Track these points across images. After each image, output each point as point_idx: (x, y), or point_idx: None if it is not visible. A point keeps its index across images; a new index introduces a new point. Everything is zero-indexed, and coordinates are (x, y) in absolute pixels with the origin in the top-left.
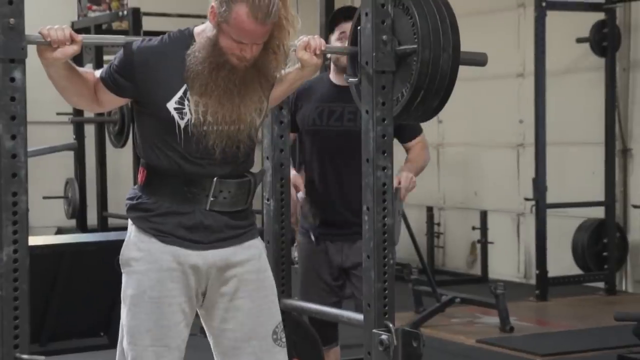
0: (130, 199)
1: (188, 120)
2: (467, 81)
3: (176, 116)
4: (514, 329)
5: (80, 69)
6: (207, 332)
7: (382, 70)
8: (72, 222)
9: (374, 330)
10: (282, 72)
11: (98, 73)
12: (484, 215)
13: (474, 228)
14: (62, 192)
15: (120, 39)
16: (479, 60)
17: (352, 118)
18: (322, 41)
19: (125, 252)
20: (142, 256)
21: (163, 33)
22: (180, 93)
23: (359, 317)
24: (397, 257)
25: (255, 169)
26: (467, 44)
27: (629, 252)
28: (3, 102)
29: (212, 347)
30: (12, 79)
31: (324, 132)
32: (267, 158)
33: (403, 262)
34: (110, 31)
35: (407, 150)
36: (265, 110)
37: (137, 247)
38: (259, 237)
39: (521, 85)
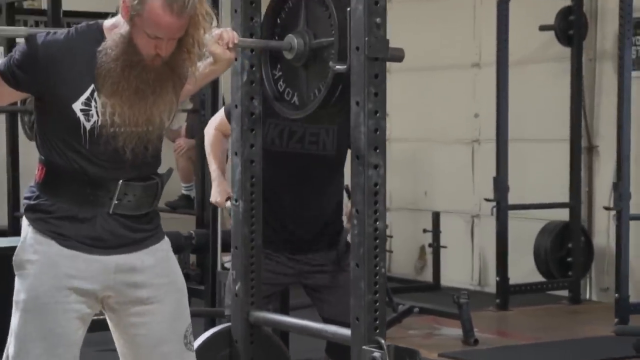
0: (28, 198)
1: (95, 122)
2: (418, 71)
3: (82, 117)
4: (478, 341)
5: None
6: (115, 336)
7: (375, 57)
8: None
9: (364, 347)
10: (196, 71)
11: None
12: (435, 216)
13: (424, 231)
14: None
15: (22, 30)
16: (394, 56)
17: (314, 141)
18: (235, 34)
19: (20, 254)
20: (38, 259)
21: (84, 14)
22: (87, 94)
23: (346, 332)
24: None
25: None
26: (418, 32)
27: (594, 257)
28: None
29: (119, 351)
30: None
31: (284, 155)
32: (236, 154)
33: None
34: (21, 10)
35: None
36: (174, 111)
37: (34, 249)
38: (166, 238)
39: (477, 76)
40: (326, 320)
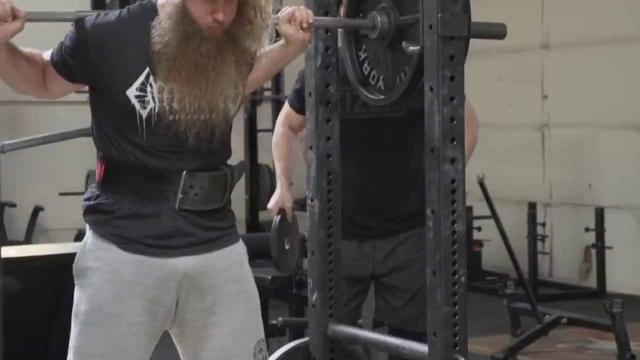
0: (88, 199)
1: (151, 109)
2: (579, 47)
3: (137, 105)
4: (635, 357)
5: (26, 50)
6: (181, 354)
7: (451, 36)
8: None
9: None
10: (262, 49)
11: (47, 55)
12: (599, 213)
13: (587, 230)
14: (82, 187)
15: (71, 14)
16: (494, 32)
17: None
18: (310, 12)
19: (80, 261)
20: (99, 266)
21: None
22: (142, 78)
23: (424, 348)
24: (491, 265)
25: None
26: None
27: None
28: None
29: None
30: None
31: (348, 122)
32: (311, 148)
33: (499, 272)
34: None
35: None
36: (241, 96)
37: (95, 255)
38: (241, 241)
39: None
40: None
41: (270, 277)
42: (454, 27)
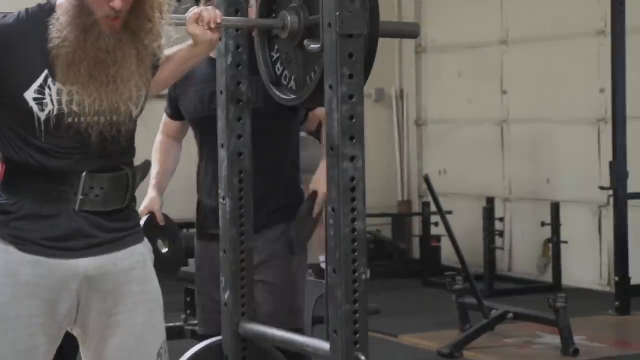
0: None
1: (50, 111)
2: (538, 42)
3: (35, 107)
4: (578, 351)
5: None
6: (83, 355)
7: (349, 34)
8: None
9: None
10: (165, 51)
11: None
12: (555, 208)
13: (543, 224)
14: None
15: None
16: (407, 31)
17: None
18: (218, 13)
19: None
20: None
21: None
22: (40, 80)
23: (326, 346)
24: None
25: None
26: None
27: None
28: None
29: None
30: None
31: (207, 119)
32: (222, 146)
33: (458, 268)
34: None
35: (318, 125)
36: (145, 97)
37: None
38: (145, 241)
39: (602, 46)
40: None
41: None
42: (352, 25)
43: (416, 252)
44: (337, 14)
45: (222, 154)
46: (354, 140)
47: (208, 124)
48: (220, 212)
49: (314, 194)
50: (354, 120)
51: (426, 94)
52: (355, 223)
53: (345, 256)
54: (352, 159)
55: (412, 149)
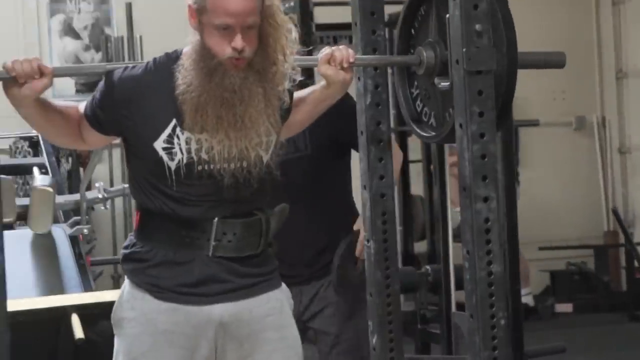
0: (125, 247)
1: (179, 160)
2: None
3: (165, 157)
4: None
5: (60, 104)
6: None
7: (477, 71)
8: None
9: None
10: (296, 94)
11: (82, 107)
12: None
13: None
14: None
15: (100, 67)
16: (553, 61)
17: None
18: (350, 52)
19: (118, 311)
20: (135, 316)
21: (338, 26)
22: (168, 129)
23: None
24: None
25: None
26: None
27: None
28: None
29: None
30: None
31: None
32: (365, 187)
33: None
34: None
35: None
36: (274, 143)
37: (130, 305)
38: (283, 286)
39: None
40: None
41: None
42: (480, 61)
43: (623, 285)
44: (464, 50)
45: (365, 195)
46: (487, 180)
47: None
48: (365, 255)
49: (357, 233)
50: (486, 159)
51: (629, 120)
52: (492, 266)
53: (481, 300)
54: (485, 199)
55: (616, 178)
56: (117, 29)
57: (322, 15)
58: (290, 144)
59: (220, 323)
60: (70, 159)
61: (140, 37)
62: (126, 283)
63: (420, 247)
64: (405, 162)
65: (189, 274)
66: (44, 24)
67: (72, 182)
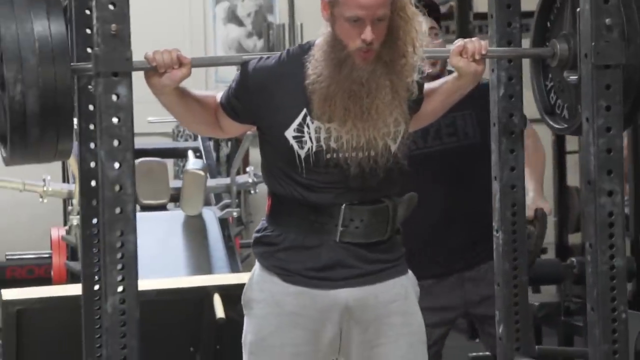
0: (257, 231)
1: (309, 149)
2: None
3: (295, 145)
4: None
5: (199, 93)
6: None
7: (606, 65)
8: None
9: None
10: (426, 85)
11: (220, 96)
12: None
13: None
14: None
15: (236, 58)
16: None
17: (451, 132)
18: (483, 43)
19: (247, 293)
20: (264, 298)
21: None
22: (299, 119)
23: None
24: None
25: None
26: None
27: None
28: (106, 124)
29: None
30: (117, 96)
31: (424, 156)
32: (495, 178)
33: None
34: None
35: None
36: (402, 133)
37: (260, 287)
38: (409, 273)
39: None
40: None
41: (537, 303)
42: (609, 55)
43: None
44: (593, 44)
45: (495, 186)
46: (612, 175)
47: (424, 161)
48: (494, 245)
49: (542, 215)
50: (612, 154)
51: None
52: (614, 260)
53: (602, 294)
54: (610, 193)
55: None
56: (279, 16)
57: (482, 4)
58: (460, 133)
59: (345, 307)
60: (229, 143)
61: (301, 25)
62: (257, 266)
63: (575, 238)
64: (562, 154)
65: (316, 258)
66: (209, 11)
67: (229, 166)
